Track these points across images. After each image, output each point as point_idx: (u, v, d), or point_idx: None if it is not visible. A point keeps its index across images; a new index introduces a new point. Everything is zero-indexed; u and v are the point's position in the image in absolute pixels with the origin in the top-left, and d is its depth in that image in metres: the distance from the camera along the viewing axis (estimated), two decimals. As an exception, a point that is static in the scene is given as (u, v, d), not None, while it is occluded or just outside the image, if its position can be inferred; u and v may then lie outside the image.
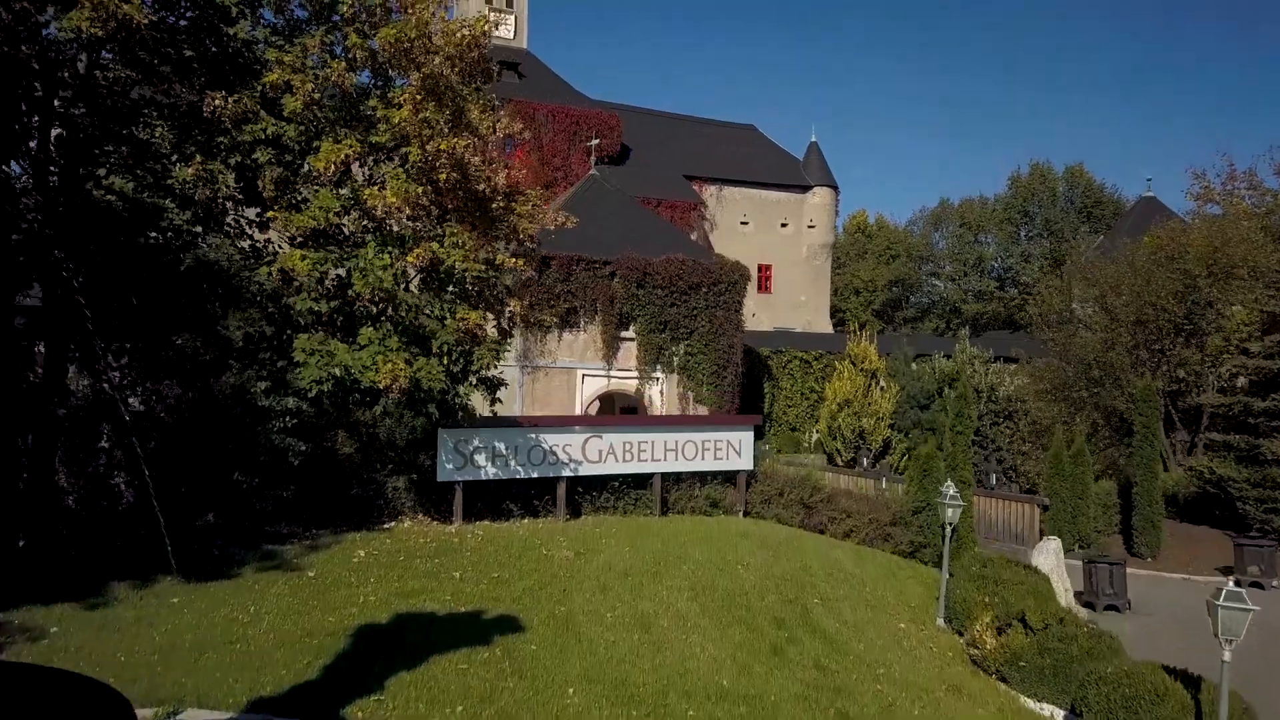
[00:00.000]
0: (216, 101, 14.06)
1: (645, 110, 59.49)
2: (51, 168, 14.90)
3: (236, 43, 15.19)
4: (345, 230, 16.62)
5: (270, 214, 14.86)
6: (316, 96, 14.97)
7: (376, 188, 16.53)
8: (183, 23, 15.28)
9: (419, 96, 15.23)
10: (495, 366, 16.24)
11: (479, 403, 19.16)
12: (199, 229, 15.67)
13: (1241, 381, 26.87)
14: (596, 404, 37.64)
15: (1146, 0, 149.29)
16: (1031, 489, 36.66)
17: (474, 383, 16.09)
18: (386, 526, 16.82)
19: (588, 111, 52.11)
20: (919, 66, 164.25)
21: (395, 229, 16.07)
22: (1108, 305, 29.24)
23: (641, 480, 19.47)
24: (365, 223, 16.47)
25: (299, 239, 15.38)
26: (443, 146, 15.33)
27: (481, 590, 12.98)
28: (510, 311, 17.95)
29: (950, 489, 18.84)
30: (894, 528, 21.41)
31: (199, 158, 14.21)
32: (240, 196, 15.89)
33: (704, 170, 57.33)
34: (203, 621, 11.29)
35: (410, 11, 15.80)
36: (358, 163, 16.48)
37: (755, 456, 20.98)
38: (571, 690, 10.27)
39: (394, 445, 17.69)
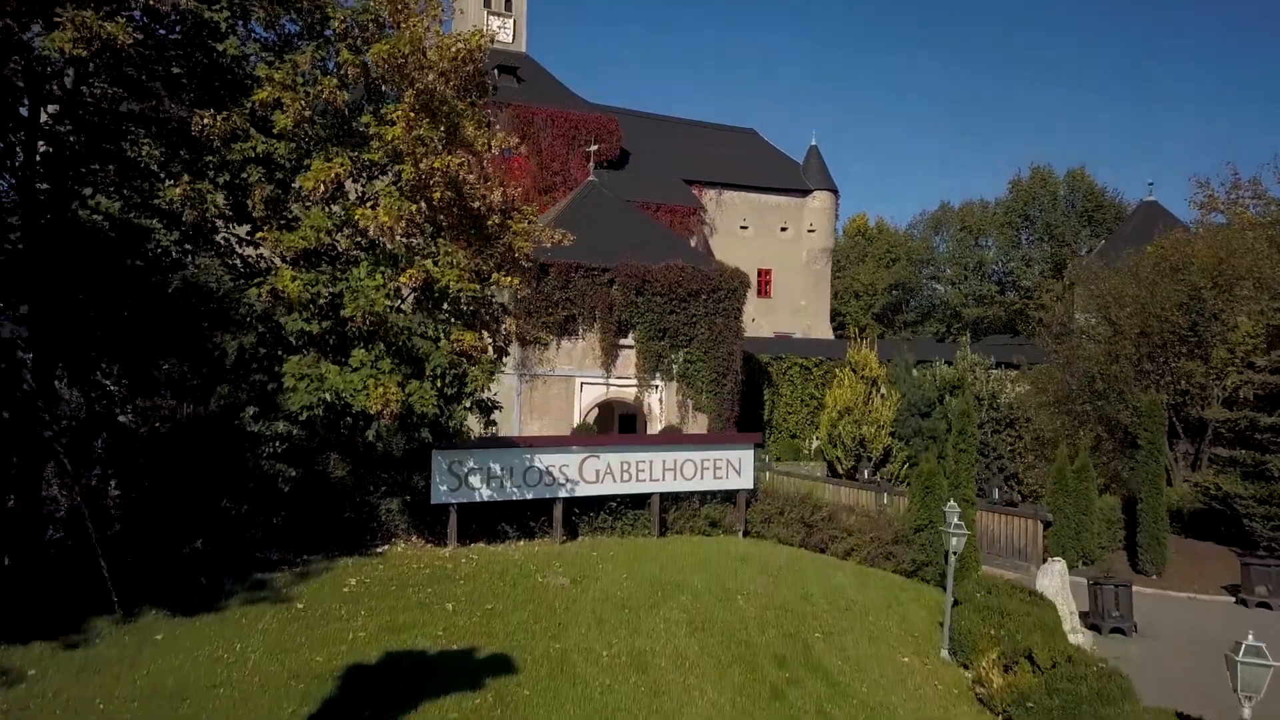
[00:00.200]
0: (205, 120, 13.74)
1: (644, 114, 59.17)
2: (39, 184, 14.61)
3: (226, 59, 14.87)
4: (338, 247, 16.30)
5: (260, 234, 14.52)
6: (308, 114, 14.66)
7: (369, 205, 16.25)
8: (172, 37, 14.98)
9: (412, 114, 14.91)
10: (489, 388, 15.89)
11: (474, 418, 18.83)
12: (188, 248, 15.37)
13: (1245, 391, 26.53)
14: (595, 412, 37.33)
15: (1148, 2, 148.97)
16: (1033, 495, 36.43)
17: (468, 405, 15.74)
18: (379, 550, 16.50)
19: (586, 115, 51.78)
20: (919, 69, 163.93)
21: (389, 247, 15.73)
22: (1111, 316, 28.91)
23: (639, 500, 19.14)
24: (358, 239, 16.14)
25: (290, 258, 15.05)
26: (436, 165, 15.02)
27: (474, 624, 12.65)
28: (506, 330, 17.65)
29: (954, 513, 18.52)
30: (896, 546, 21.07)
31: (186, 177, 13.87)
32: (230, 213, 15.56)
33: (703, 174, 57.00)
34: (186, 661, 10.97)
35: (404, 26, 15.48)
36: (351, 178, 16.18)
37: (755, 475, 20.64)
38: (566, 738, 9.97)
39: (387, 467, 17.36)
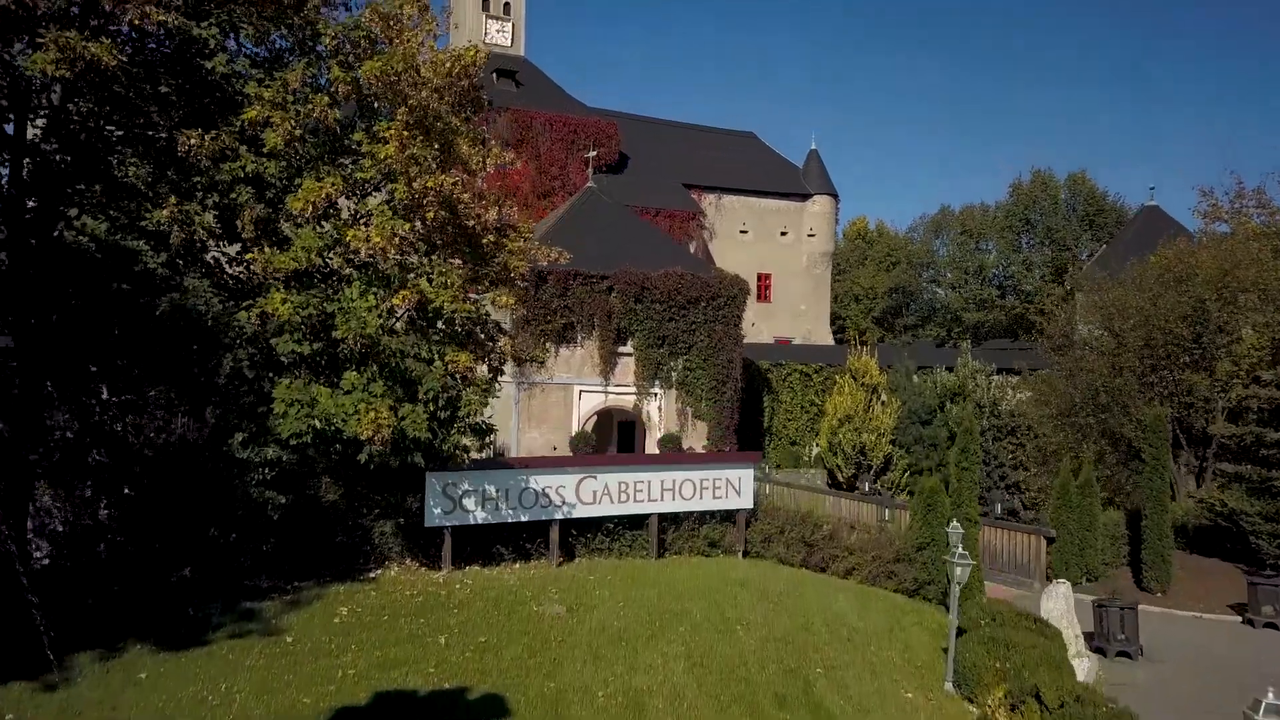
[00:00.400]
0: (192, 140, 13.42)
1: (644, 117, 58.88)
2: (26, 202, 14.29)
3: (215, 76, 14.55)
4: (331, 264, 15.96)
5: (250, 255, 14.20)
6: (298, 133, 14.34)
7: (361, 223, 15.94)
8: (161, 52, 14.66)
9: (406, 132, 14.59)
10: (483, 412, 15.59)
11: (469, 439, 18.48)
12: (178, 265, 15.05)
13: (1251, 402, 26.20)
14: (594, 419, 37.08)
15: (1150, 5, 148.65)
16: (1035, 504, 36.10)
17: (462, 429, 15.43)
18: (372, 575, 16.20)
19: (585, 120, 51.48)
20: (919, 71, 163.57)
21: (381, 267, 15.41)
22: (1115, 328, 28.60)
23: (637, 521, 18.85)
24: (350, 256, 15.81)
25: (280, 279, 14.71)
26: (430, 184, 14.71)
27: (467, 660, 12.34)
28: (501, 349, 17.35)
29: (957, 534, 18.23)
30: (897, 565, 20.78)
31: (173, 199, 13.56)
32: (220, 229, 15.24)
33: (703, 178, 56.73)
34: (170, 703, 10.66)
35: (397, 42, 15.17)
36: (344, 195, 15.86)
37: (755, 494, 20.34)
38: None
39: (381, 489, 17.05)
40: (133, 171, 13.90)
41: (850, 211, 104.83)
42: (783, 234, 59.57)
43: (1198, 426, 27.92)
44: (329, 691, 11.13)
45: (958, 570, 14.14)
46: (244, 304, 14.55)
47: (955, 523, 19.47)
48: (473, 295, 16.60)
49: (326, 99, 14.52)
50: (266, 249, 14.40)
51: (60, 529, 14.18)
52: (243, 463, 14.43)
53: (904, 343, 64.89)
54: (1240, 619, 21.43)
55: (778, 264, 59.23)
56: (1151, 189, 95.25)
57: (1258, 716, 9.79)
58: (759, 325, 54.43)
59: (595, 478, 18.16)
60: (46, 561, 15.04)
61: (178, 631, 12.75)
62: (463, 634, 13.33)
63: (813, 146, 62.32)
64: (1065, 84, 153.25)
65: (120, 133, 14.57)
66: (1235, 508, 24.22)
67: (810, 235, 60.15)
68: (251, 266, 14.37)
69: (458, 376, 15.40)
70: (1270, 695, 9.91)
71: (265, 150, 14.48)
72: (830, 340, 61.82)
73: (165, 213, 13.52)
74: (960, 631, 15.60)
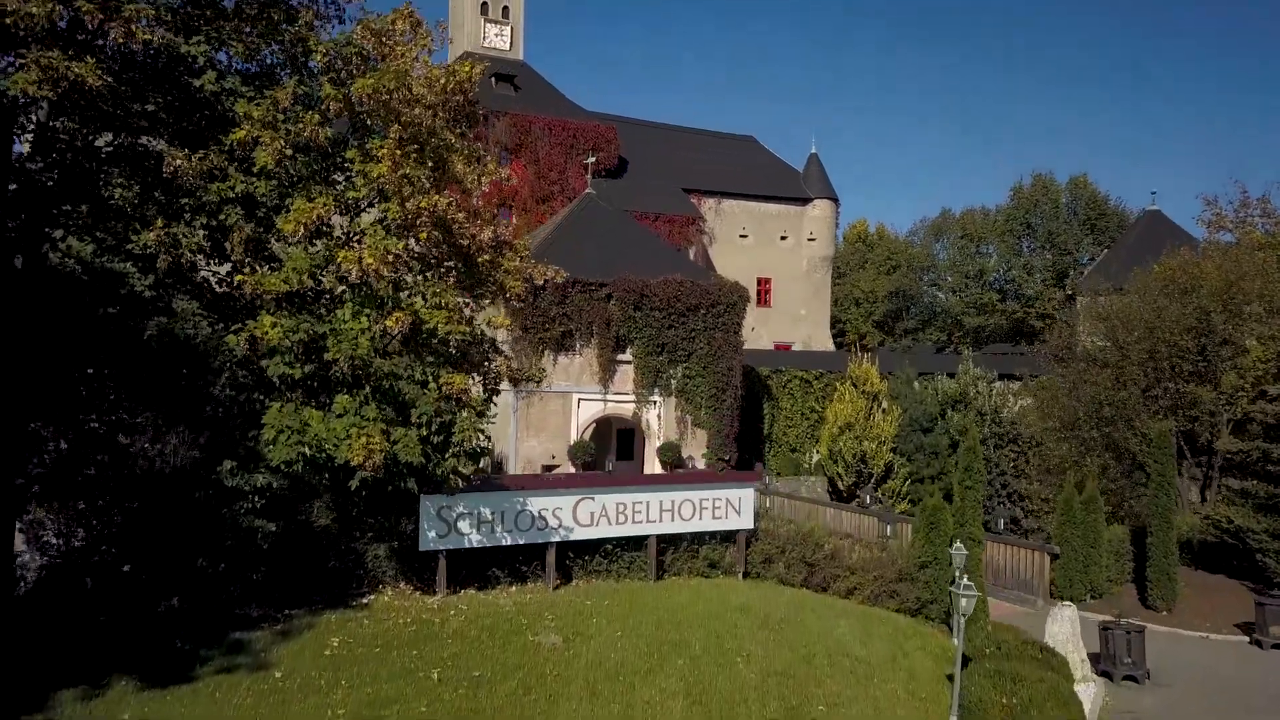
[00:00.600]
0: (178, 160, 13.10)
1: (643, 122, 58.55)
2: (10, 222, 13.98)
3: (204, 94, 14.23)
4: (323, 284, 15.59)
5: (240, 277, 13.85)
6: (289, 152, 14.01)
7: (356, 241, 15.60)
8: (150, 69, 14.33)
9: (398, 151, 14.27)
10: (478, 436, 15.26)
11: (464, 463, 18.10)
12: (167, 284, 14.72)
13: (1257, 415, 25.88)
14: (593, 428, 36.75)
15: (1153, 8, 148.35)
16: (1037, 513, 35.80)
17: (456, 453, 15.10)
18: (365, 601, 15.89)
19: (584, 124, 51.15)
20: (920, 74, 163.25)
21: (374, 287, 15.07)
22: (1118, 340, 28.27)
23: (636, 542, 18.54)
24: (343, 275, 15.42)
25: (271, 300, 14.36)
26: (424, 204, 14.39)
27: (460, 697, 12.04)
28: (496, 369, 17.03)
29: (960, 556, 17.92)
30: (900, 584, 20.48)
31: (160, 221, 13.23)
32: (209, 246, 14.90)
33: (703, 182, 56.41)
34: (153, 748, 10.37)
35: (390, 58, 14.84)
36: (337, 213, 15.53)
37: (755, 514, 20.04)
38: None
39: (374, 512, 16.74)
40: (119, 193, 13.57)
41: (850, 214, 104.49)
42: (783, 238, 59.26)
43: (1203, 439, 27.60)
44: (317, 734, 10.83)
45: (963, 602, 13.83)
46: (233, 327, 14.21)
47: (959, 544, 19.17)
48: (467, 311, 16.25)
49: (317, 117, 14.18)
50: (257, 270, 14.08)
51: (43, 560, 13.85)
52: (232, 491, 14.11)
53: (904, 347, 64.65)
54: (1248, 639, 21.12)
55: (777, 268, 58.93)
56: (1153, 193, 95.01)
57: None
58: (759, 330, 54.12)
59: (593, 499, 17.86)
60: (31, 586, 14.78)
61: (164, 666, 12.46)
62: (456, 667, 13.02)
63: (813, 150, 61.88)
64: (1067, 87, 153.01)
65: (109, 149, 14.28)
66: (1242, 525, 23.89)
67: (810, 239, 59.83)
68: (241, 288, 14.01)
69: (452, 399, 15.10)
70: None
71: (255, 170, 14.18)
72: (830, 345, 61.51)
73: (152, 235, 13.21)
74: (965, 660, 15.27)
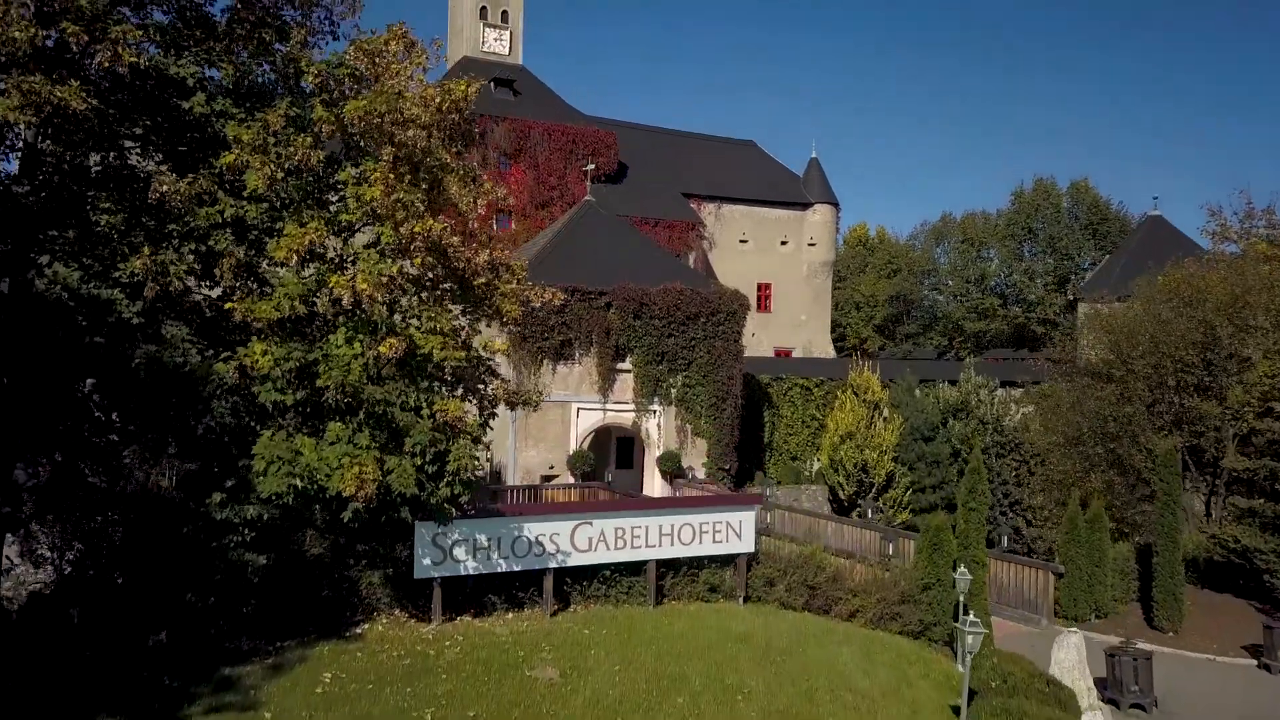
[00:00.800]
0: (165, 186, 12.78)
1: (643, 126, 58.25)
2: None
3: (193, 116, 13.92)
4: (316, 308, 15.26)
5: (230, 304, 13.52)
6: (279, 176, 13.70)
7: (349, 264, 15.28)
8: (138, 91, 14.00)
9: (391, 175, 13.96)
10: (473, 466, 14.95)
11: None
12: (155, 313, 14.40)
13: (1265, 428, 25.57)
14: (592, 437, 36.50)
15: (1156, 12, 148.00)
16: (1039, 522, 35.50)
17: (451, 482, 14.77)
18: (359, 631, 15.57)
19: (584, 129, 50.84)
20: (921, 76, 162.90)
21: (367, 312, 14.75)
22: (1123, 354, 27.95)
23: (635, 567, 18.22)
24: (336, 298, 15.08)
25: (262, 328, 14.03)
26: (418, 229, 14.08)
27: (454, 741, 11.73)
28: (493, 392, 16.72)
29: (965, 582, 17.66)
30: (902, 606, 20.18)
31: (147, 249, 12.91)
32: (199, 272, 14.56)
33: (703, 188, 56.13)
34: (137, 799, 10.06)
35: (385, 76, 14.51)
36: (331, 235, 15.21)
37: (756, 537, 19.73)
38: None
39: (368, 538, 16.43)
40: (106, 219, 13.24)
41: (851, 217, 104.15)
42: (783, 243, 58.99)
43: (1209, 454, 27.30)
44: (306, 783, 10.52)
45: (969, 639, 13.52)
46: (223, 355, 13.88)
47: (963, 568, 18.91)
48: (464, 334, 15.92)
49: (309, 140, 13.87)
50: (247, 298, 13.75)
51: (26, 593, 13.56)
52: (222, 524, 13.80)
53: (905, 352, 64.36)
54: (1256, 663, 20.82)
55: (778, 274, 58.67)
56: (1155, 199, 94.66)
57: None
58: (759, 335, 53.84)
59: (591, 524, 17.54)
60: (23, 602, 14.53)
61: (151, 705, 12.15)
62: (450, 705, 12.72)
63: (813, 155, 61.76)
64: (1068, 89, 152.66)
65: (97, 169, 13.96)
66: (1250, 545, 23.59)
67: (811, 244, 59.56)
68: (232, 317, 13.67)
69: (446, 426, 14.78)
70: None
71: (246, 194, 13.87)
72: (831, 350, 61.26)
73: (139, 263, 12.90)
74: (971, 693, 14.98)
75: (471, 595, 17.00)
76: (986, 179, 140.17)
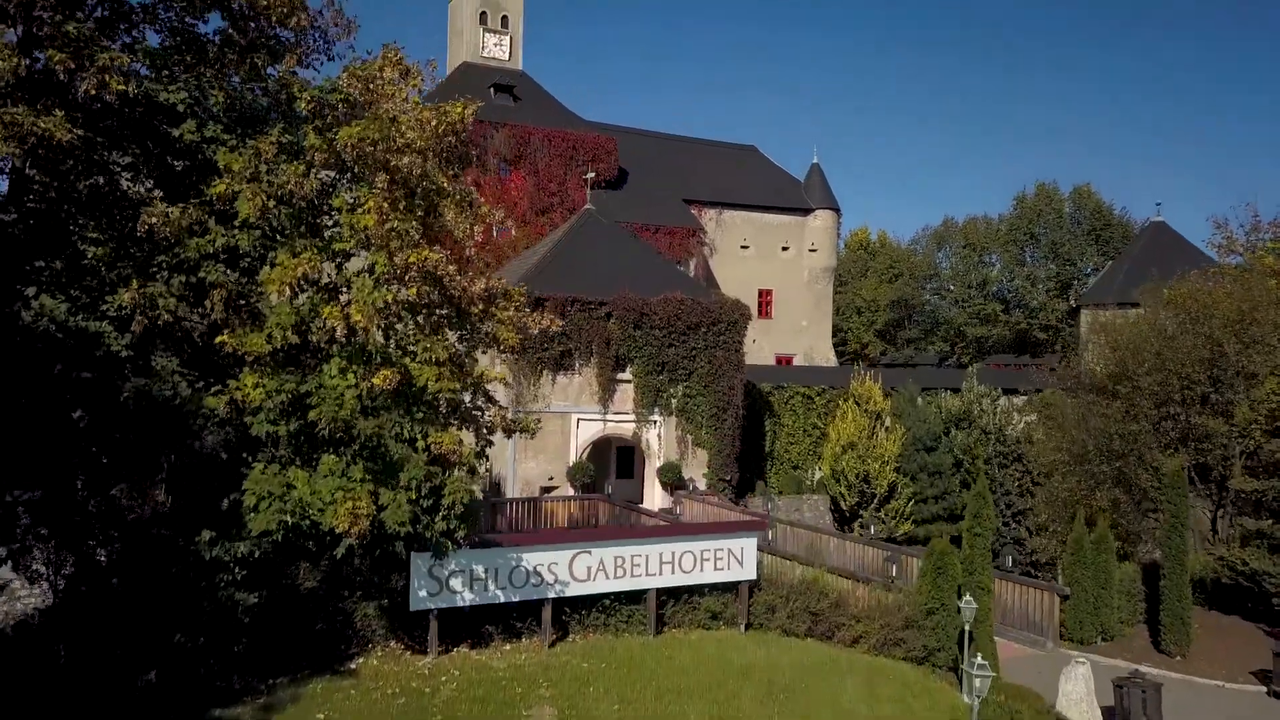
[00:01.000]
0: (153, 219, 12.47)
1: (643, 131, 57.87)
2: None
3: (184, 143, 13.62)
4: (310, 335, 14.90)
5: (220, 339, 13.20)
6: (272, 205, 13.38)
7: (342, 294, 14.96)
8: (127, 118, 13.69)
9: (385, 203, 13.64)
10: (469, 497, 14.64)
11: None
12: (145, 346, 14.09)
13: (1272, 446, 25.24)
14: (591, 448, 36.18)
15: (1156, 12, 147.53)
16: (1040, 531, 35.16)
17: (447, 516, 14.46)
18: (353, 665, 15.27)
19: (584, 135, 50.49)
20: (922, 78, 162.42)
21: (362, 342, 14.44)
22: (1128, 370, 27.61)
23: (635, 596, 17.92)
24: (330, 326, 14.74)
25: (254, 361, 13.71)
26: (412, 259, 13.78)
27: (449, 792, 11.41)
28: (490, 421, 16.41)
29: (970, 610, 17.33)
30: (906, 631, 19.86)
31: (135, 282, 12.61)
32: (190, 297, 14.24)
33: (703, 193, 55.78)
34: None
35: (381, 98, 14.18)
36: (326, 259, 14.89)
37: (758, 563, 19.42)
38: None
39: (363, 569, 16.12)
40: (93, 251, 12.92)
41: (852, 220, 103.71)
42: (784, 249, 58.63)
43: (1215, 471, 26.97)
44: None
45: (976, 682, 13.21)
46: (214, 389, 13.56)
47: (968, 596, 18.60)
48: (462, 360, 15.59)
49: (302, 168, 13.57)
50: (238, 329, 13.43)
51: (14, 622, 13.26)
52: (211, 563, 13.48)
53: (906, 358, 63.99)
54: (1265, 690, 20.51)
55: (779, 279, 58.31)
56: (1158, 204, 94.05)
57: None
58: (760, 342, 53.48)
59: (590, 552, 17.25)
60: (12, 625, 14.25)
61: (138, 751, 11.86)
62: (445, 751, 12.41)
63: (815, 160, 61.13)
64: (1070, 89, 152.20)
65: (85, 193, 13.64)
66: (1257, 568, 23.27)
67: (812, 250, 59.20)
68: (223, 350, 13.34)
69: (442, 459, 14.47)
70: None
71: (238, 222, 13.55)
72: (832, 355, 60.91)
73: (127, 296, 12.61)
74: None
75: (468, 624, 16.71)
76: (987, 179, 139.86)
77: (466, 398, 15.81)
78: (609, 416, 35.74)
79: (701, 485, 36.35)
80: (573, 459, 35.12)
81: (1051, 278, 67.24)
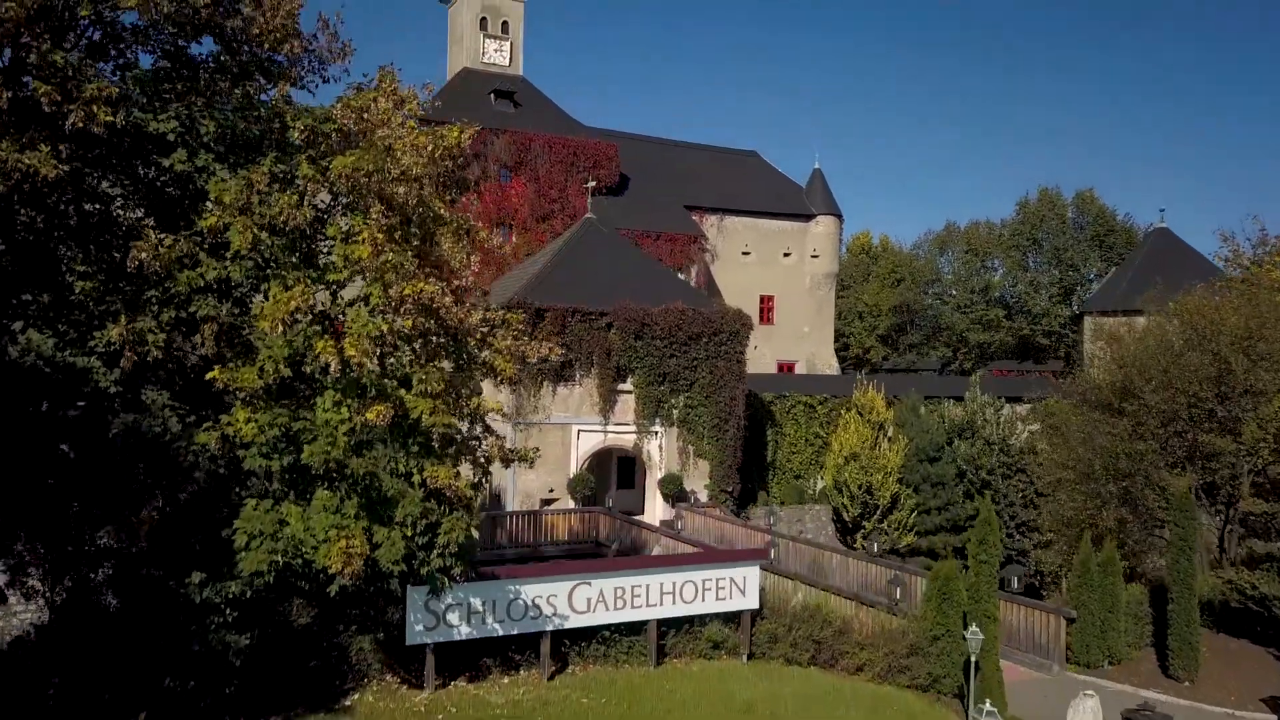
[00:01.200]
0: (142, 254, 12.15)
1: (644, 137, 57.53)
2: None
3: (174, 173, 13.30)
4: (303, 367, 14.55)
5: (211, 375, 12.90)
6: (264, 236, 13.07)
7: (339, 315, 14.67)
8: (115, 149, 13.38)
9: (379, 235, 13.33)
10: (466, 534, 14.35)
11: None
12: (135, 381, 13.78)
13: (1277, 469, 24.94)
14: (592, 459, 35.90)
15: (1157, 12, 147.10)
16: (1045, 544, 34.87)
17: (443, 554, 14.17)
18: (348, 703, 14.99)
19: (585, 141, 50.17)
20: (926, 83, 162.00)
21: (356, 375, 14.12)
22: (1134, 388, 27.27)
23: (635, 627, 17.62)
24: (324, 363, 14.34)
25: (246, 395, 13.40)
26: (407, 291, 13.47)
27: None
28: (486, 450, 16.13)
29: (977, 642, 17.02)
30: (911, 658, 19.60)
31: (124, 318, 12.31)
32: (183, 330, 13.93)
33: (705, 199, 55.44)
34: None
35: (375, 125, 13.87)
36: (321, 288, 14.60)
37: (760, 587, 19.13)
38: None
39: (358, 602, 15.83)
40: (81, 285, 12.61)
41: (853, 224, 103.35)
42: (786, 255, 58.30)
43: (1223, 490, 26.65)
44: None
45: (985, 728, 12.91)
46: (205, 425, 13.25)
47: (975, 626, 18.29)
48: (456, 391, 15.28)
49: (295, 199, 13.25)
50: (230, 364, 13.12)
51: (8, 641, 12.98)
52: (201, 606, 13.18)
53: (908, 363, 63.60)
54: (1275, 717, 20.18)
55: (780, 285, 57.99)
56: (1162, 211, 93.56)
57: None
58: (761, 348, 53.19)
59: (589, 584, 16.96)
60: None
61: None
62: (440, 800, 12.12)
63: (816, 165, 60.79)
64: (1070, 90, 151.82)
65: (75, 222, 13.34)
66: (1267, 592, 22.94)
67: (814, 256, 58.87)
68: (214, 386, 13.02)
69: (437, 493, 14.18)
70: None
71: (230, 254, 13.24)
72: (834, 361, 60.61)
73: (116, 331, 12.30)
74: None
75: (466, 656, 16.43)
76: (989, 181, 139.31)
77: (464, 427, 15.55)
78: (610, 427, 35.48)
79: (703, 496, 36.09)
80: (573, 471, 34.86)
81: (1054, 283, 66.83)
